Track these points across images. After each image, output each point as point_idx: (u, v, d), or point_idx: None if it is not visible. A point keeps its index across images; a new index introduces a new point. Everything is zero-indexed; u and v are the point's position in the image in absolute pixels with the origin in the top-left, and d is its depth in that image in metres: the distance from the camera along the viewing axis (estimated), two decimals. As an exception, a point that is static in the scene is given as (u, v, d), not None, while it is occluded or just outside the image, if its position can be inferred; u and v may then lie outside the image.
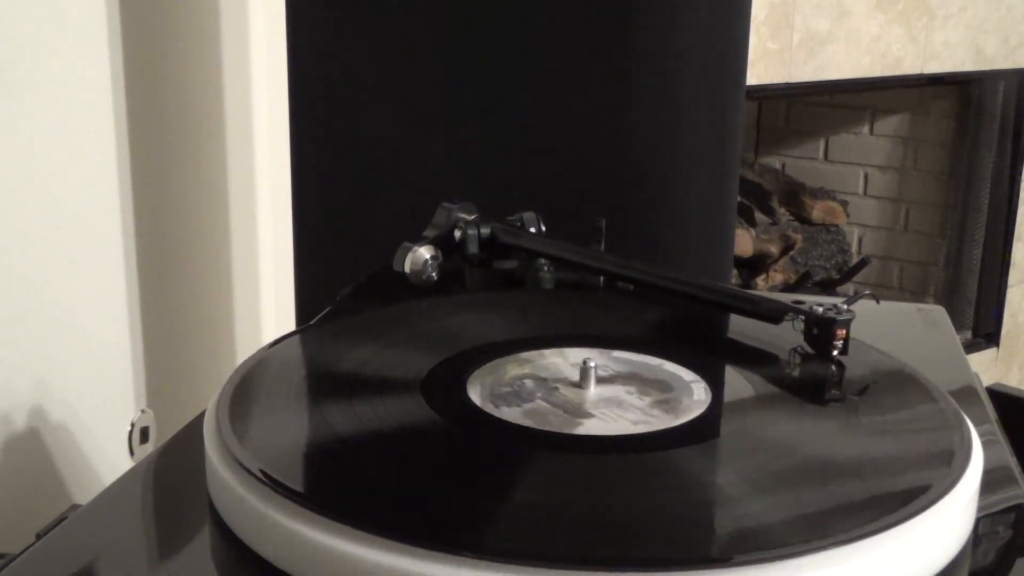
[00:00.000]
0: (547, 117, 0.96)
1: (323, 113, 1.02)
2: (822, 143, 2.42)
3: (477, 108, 0.97)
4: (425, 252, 0.70)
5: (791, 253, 2.22)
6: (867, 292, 0.67)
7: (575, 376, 0.56)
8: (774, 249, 2.21)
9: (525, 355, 0.59)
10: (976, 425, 0.51)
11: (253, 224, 1.27)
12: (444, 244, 0.71)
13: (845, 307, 0.59)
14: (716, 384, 0.56)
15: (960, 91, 2.23)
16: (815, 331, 0.59)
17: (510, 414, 0.52)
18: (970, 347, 2.27)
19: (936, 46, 1.97)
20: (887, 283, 2.40)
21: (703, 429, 0.51)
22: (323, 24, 1.00)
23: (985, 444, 0.50)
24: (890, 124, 2.33)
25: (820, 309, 0.59)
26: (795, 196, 2.32)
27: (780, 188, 2.33)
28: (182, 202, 1.18)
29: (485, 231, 0.73)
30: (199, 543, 0.49)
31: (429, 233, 0.72)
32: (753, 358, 0.60)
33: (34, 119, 0.99)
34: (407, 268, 0.70)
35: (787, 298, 0.63)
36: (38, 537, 0.50)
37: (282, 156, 1.10)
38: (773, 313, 0.62)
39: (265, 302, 1.29)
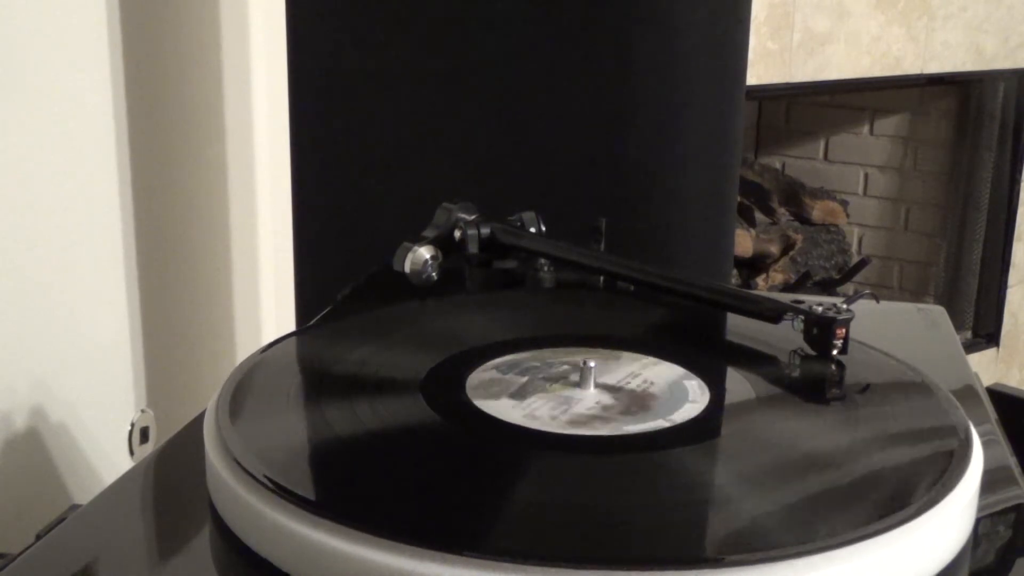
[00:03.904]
0: (547, 117, 0.96)
1: (323, 113, 1.02)
2: (822, 143, 2.42)
3: (477, 108, 0.97)
4: (425, 252, 0.70)
5: (791, 253, 2.22)
6: (867, 292, 0.67)
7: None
8: (774, 249, 2.21)
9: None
10: (976, 425, 0.51)
11: (253, 224, 1.27)
12: (444, 244, 0.71)
13: (845, 307, 0.59)
14: (716, 384, 0.56)
15: (960, 91, 2.23)
16: (815, 331, 0.59)
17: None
18: (970, 347, 2.27)
19: (936, 46, 1.97)
20: (887, 283, 2.40)
21: (703, 429, 0.51)
22: (323, 24, 1.00)
23: (985, 444, 0.50)
24: (890, 124, 2.33)
25: (820, 309, 0.59)
26: (795, 196, 2.32)
27: (780, 188, 2.33)
28: (182, 202, 1.18)
29: (485, 231, 0.73)
30: (199, 543, 0.49)
31: (429, 233, 0.72)
32: (753, 358, 0.60)
33: (34, 119, 0.99)
34: (407, 268, 0.70)
35: (787, 298, 0.63)
36: (38, 537, 0.50)
37: (282, 156, 1.10)
38: (773, 313, 0.62)
39: (265, 302, 1.29)
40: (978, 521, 0.47)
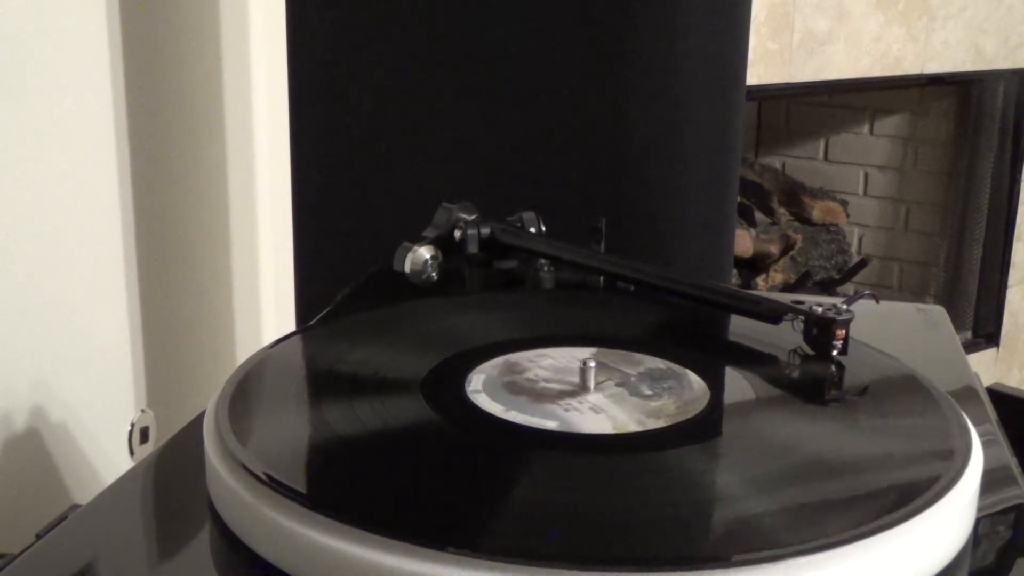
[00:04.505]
0: (547, 117, 0.96)
1: (323, 113, 1.02)
2: (822, 143, 2.42)
3: (477, 108, 0.97)
4: (425, 252, 0.70)
5: (791, 253, 2.22)
6: (867, 292, 0.67)
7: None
8: (774, 249, 2.21)
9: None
10: (976, 425, 0.51)
11: (253, 224, 1.27)
12: (444, 244, 0.71)
13: (845, 307, 0.59)
14: (716, 384, 0.56)
15: (960, 91, 2.23)
16: (815, 331, 0.59)
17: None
18: (970, 347, 2.27)
19: (936, 46, 1.97)
20: (887, 283, 2.40)
21: (703, 429, 0.51)
22: (323, 24, 1.00)
23: (985, 444, 0.50)
24: (890, 124, 2.33)
25: (820, 309, 0.59)
26: (795, 196, 2.32)
27: (780, 188, 2.33)
28: (182, 202, 1.18)
29: (485, 231, 0.73)
30: (199, 543, 0.49)
31: (429, 233, 0.72)
32: (753, 358, 0.60)
33: (34, 119, 0.99)
34: (407, 268, 0.70)
35: (787, 298, 0.63)
36: (38, 537, 0.50)
37: (282, 156, 1.10)
38: (772, 313, 0.62)
39: (265, 302, 1.29)
40: (978, 521, 0.47)
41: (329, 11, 1.00)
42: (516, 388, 0.55)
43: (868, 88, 2.07)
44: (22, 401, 0.99)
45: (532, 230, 0.74)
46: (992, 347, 2.31)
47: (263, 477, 0.45)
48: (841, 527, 0.42)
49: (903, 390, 0.57)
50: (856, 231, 2.41)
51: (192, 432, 0.55)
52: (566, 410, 0.52)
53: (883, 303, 0.72)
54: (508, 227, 0.74)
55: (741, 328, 0.63)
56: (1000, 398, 0.71)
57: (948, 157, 2.28)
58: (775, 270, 2.21)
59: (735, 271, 2.17)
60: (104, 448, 1.09)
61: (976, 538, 0.47)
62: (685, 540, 0.43)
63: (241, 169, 1.24)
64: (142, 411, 1.13)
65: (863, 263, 2.31)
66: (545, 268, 0.74)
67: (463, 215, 0.73)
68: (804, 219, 2.31)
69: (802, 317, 0.60)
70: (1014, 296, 2.31)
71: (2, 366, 0.98)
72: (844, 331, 0.59)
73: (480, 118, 0.97)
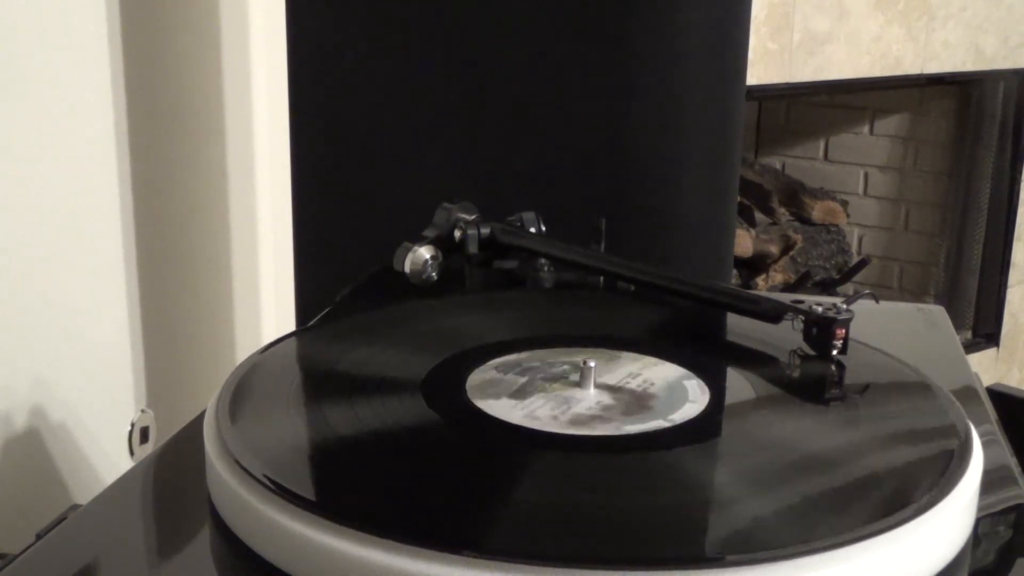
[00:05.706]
0: (547, 117, 0.96)
1: (323, 114, 1.02)
2: (822, 143, 2.42)
3: (477, 108, 0.97)
4: (425, 252, 0.70)
5: (791, 253, 2.22)
6: (867, 292, 0.67)
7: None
8: (774, 249, 2.21)
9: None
10: (976, 425, 0.51)
11: (253, 224, 1.27)
12: (444, 244, 0.71)
13: (845, 307, 0.59)
14: (716, 384, 0.56)
15: (960, 91, 2.23)
16: (814, 331, 0.59)
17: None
18: (970, 347, 2.27)
19: (936, 46, 1.97)
20: (887, 283, 2.40)
21: (703, 429, 0.51)
22: (323, 24, 1.00)
23: (985, 444, 0.50)
24: (890, 124, 2.33)
25: (820, 309, 0.59)
26: (795, 196, 2.32)
27: (780, 188, 2.33)
28: (182, 202, 1.18)
29: (485, 231, 0.73)
30: (199, 543, 0.49)
31: (429, 233, 0.72)
32: (753, 358, 0.60)
33: (34, 119, 0.99)
34: (407, 268, 0.70)
35: (787, 298, 0.63)
36: (38, 537, 0.50)
37: (282, 156, 1.10)
38: (772, 313, 0.62)
39: (265, 302, 1.29)
40: (978, 521, 0.47)
41: (329, 11, 1.00)
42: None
43: (868, 88, 2.07)
44: (22, 401, 0.99)
45: (532, 230, 0.74)
46: (992, 347, 2.31)
47: (263, 477, 0.45)
48: (841, 527, 0.42)
49: (903, 390, 0.57)
50: (856, 231, 2.41)
51: (192, 432, 0.55)
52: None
53: (883, 303, 0.72)
54: (508, 227, 0.74)
55: (741, 328, 0.63)
56: (1000, 398, 0.71)
57: (948, 157, 2.28)
58: (775, 270, 2.21)
59: (735, 271, 2.17)
60: (104, 448, 1.09)
61: (976, 538, 0.47)
62: (685, 540, 0.43)
63: (241, 169, 1.24)
64: (142, 411, 1.13)
65: (863, 263, 2.31)
66: (545, 268, 0.74)
67: (463, 215, 0.73)
68: (804, 219, 2.31)
69: (802, 317, 0.60)
70: (1014, 296, 2.31)
71: (2, 366, 0.98)
72: (844, 331, 0.59)
73: (480, 118, 0.97)
